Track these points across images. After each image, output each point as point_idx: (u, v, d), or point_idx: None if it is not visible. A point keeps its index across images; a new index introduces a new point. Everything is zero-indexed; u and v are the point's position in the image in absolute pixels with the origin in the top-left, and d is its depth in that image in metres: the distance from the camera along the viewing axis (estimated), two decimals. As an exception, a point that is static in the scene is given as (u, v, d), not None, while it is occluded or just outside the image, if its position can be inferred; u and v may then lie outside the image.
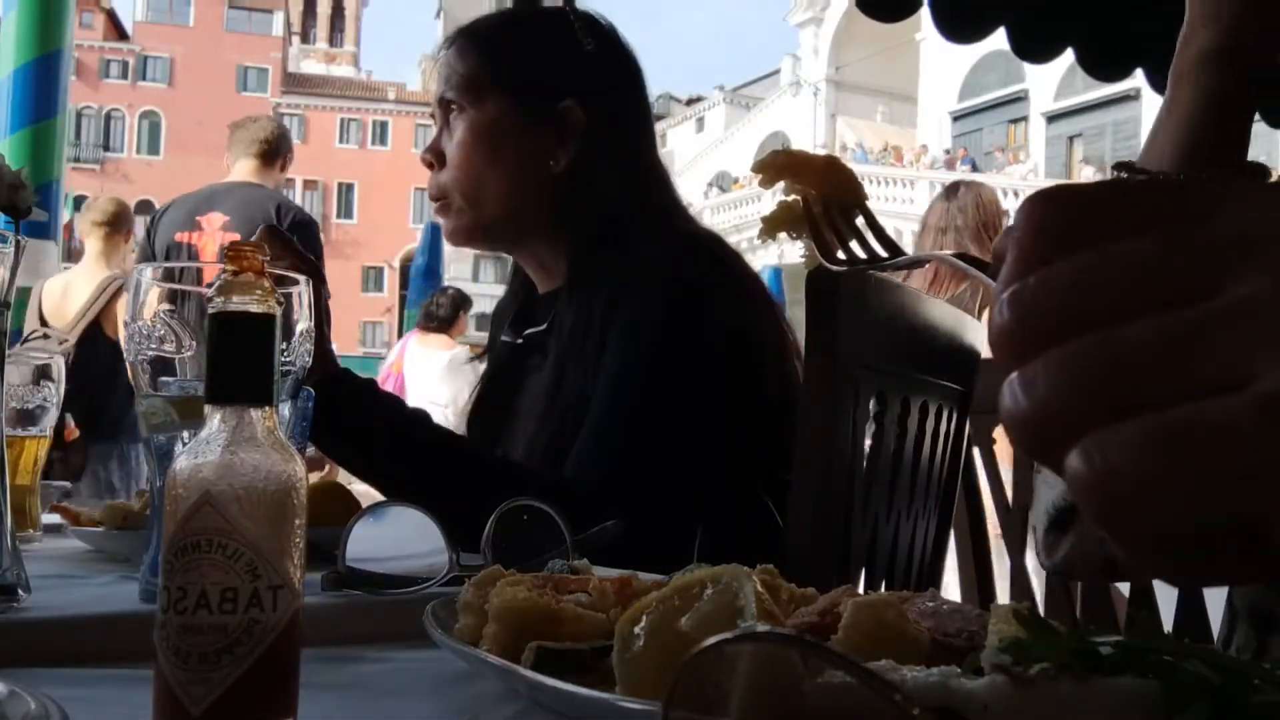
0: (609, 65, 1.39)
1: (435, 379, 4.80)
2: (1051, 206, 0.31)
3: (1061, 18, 2.38)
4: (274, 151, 3.60)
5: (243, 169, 3.62)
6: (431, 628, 0.60)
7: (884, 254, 0.56)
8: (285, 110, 47.42)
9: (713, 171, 36.09)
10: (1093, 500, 0.27)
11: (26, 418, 1.20)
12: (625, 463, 1.19)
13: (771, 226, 0.60)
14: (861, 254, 0.57)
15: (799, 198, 0.60)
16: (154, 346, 0.75)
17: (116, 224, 3.92)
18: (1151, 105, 24.27)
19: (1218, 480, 0.26)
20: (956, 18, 2.36)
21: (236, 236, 3.34)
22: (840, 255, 0.57)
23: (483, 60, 1.36)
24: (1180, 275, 0.28)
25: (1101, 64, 2.45)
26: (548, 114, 1.33)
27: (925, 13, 2.40)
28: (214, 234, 3.47)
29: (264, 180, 3.60)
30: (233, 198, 3.54)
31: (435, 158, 1.38)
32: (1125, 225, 0.29)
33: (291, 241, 1.16)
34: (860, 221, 0.58)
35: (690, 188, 31.04)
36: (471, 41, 1.38)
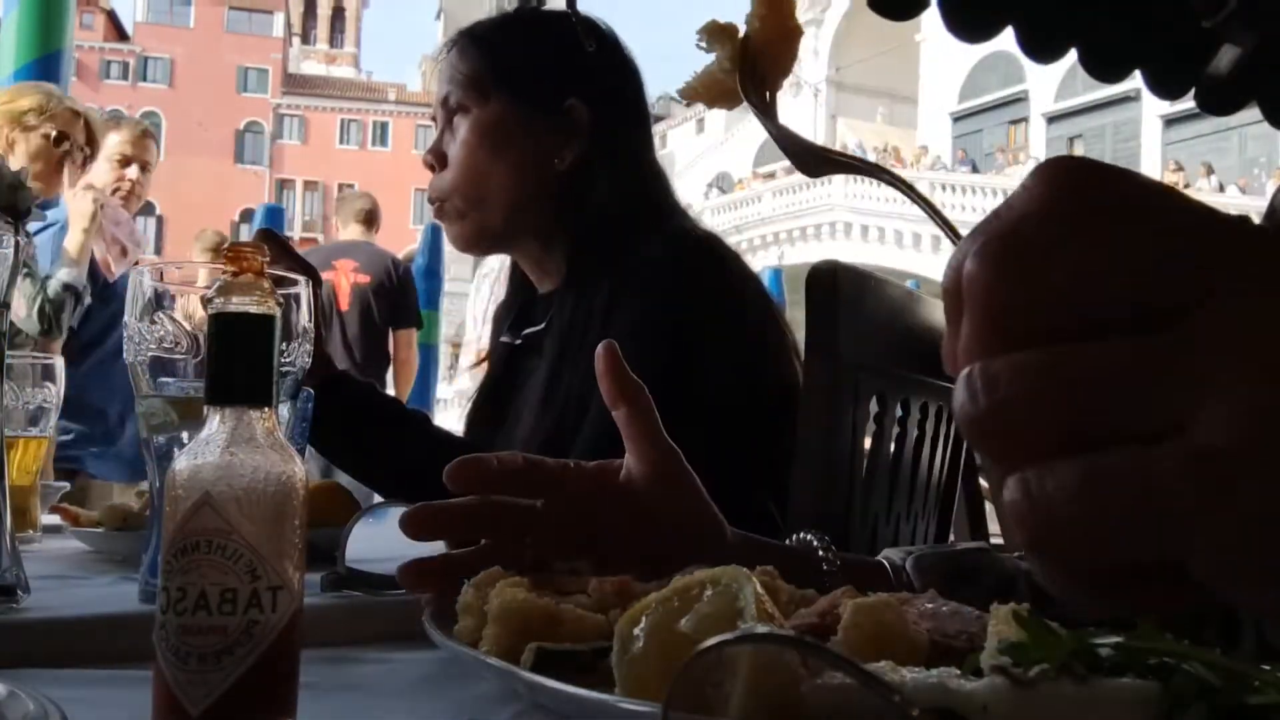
0: (610, 67, 1.39)
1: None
2: (1073, 174, 0.31)
3: (1070, 17, 2.38)
4: (371, 219, 4.80)
5: (353, 231, 4.77)
6: (431, 628, 0.60)
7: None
8: (285, 111, 47.49)
9: (713, 172, 36.10)
10: (1025, 529, 0.29)
11: (27, 418, 1.20)
12: (625, 463, 1.19)
13: (692, 94, 0.63)
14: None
15: (725, 70, 0.62)
16: (154, 346, 0.75)
17: None
18: (1151, 107, 24.30)
19: (1140, 525, 0.28)
20: (965, 17, 2.36)
21: (368, 278, 4.50)
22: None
23: (486, 60, 1.36)
24: (1160, 283, 0.29)
25: (1103, 66, 2.45)
26: (553, 112, 1.33)
27: (926, 13, 2.40)
28: (347, 273, 4.54)
29: (368, 238, 4.77)
30: (358, 250, 4.64)
31: (437, 159, 1.38)
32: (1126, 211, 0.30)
33: (288, 244, 1.16)
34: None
35: (690, 188, 31.05)
36: (474, 42, 1.38)
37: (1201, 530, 0.27)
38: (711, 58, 0.63)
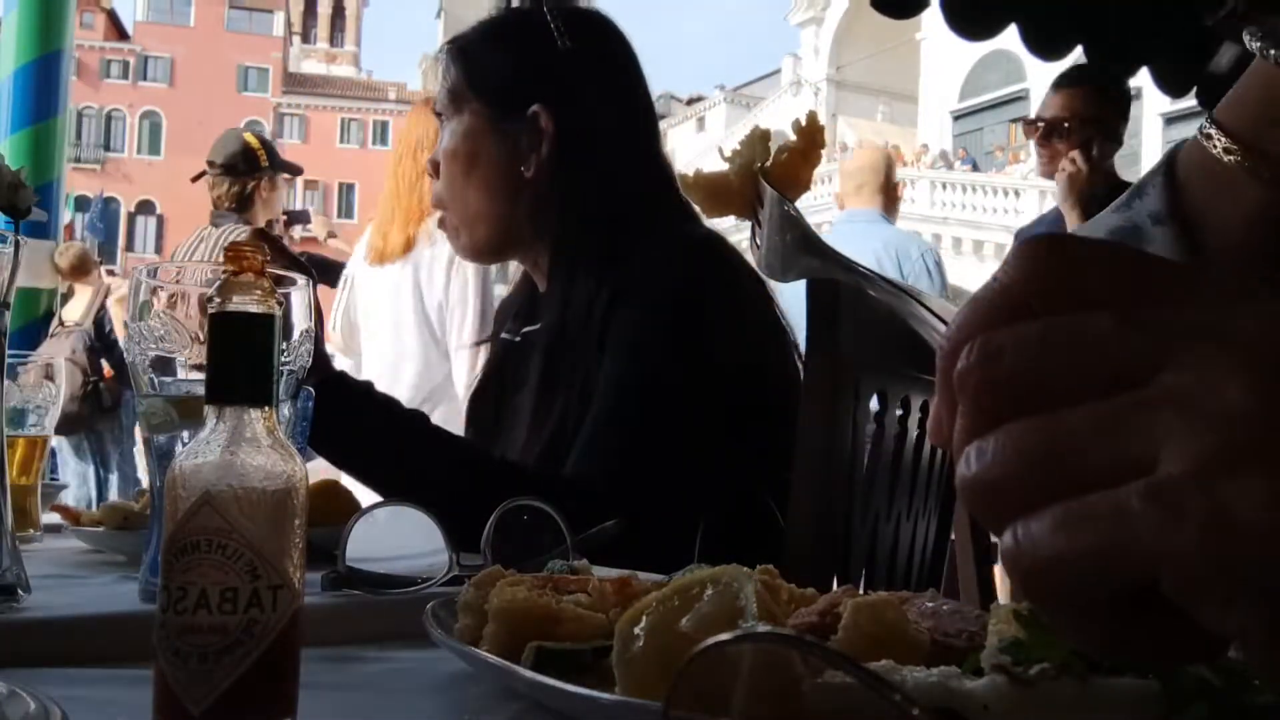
0: (590, 64, 1.38)
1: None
2: (1053, 256, 0.35)
3: (1073, 16, 2.38)
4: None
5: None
6: (431, 628, 0.60)
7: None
8: (286, 110, 47.48)
9: (713, 171, 36.03)
10: (1016, 574, 0.32)
11: (27, 418, 1.20)
12: (625, 463, 1.19)
13: (691, 188, 0.62)
14: None
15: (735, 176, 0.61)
16: (154, 346, 0.75)
17: None
18: (1152, 105, 24.25)
19: (1111, 553, 0.30)
20: (968, 15, 2.36)
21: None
22: None
23: (462, 70, 1.38)
24: (1126, 356, 0.32)
25: (1108, 63, 2.45)
26: (518, 120, 1.33)
27: (927, 11, 2.40)
28: None
29: None
30: None
31: (433, 168, 1.41)
32: (1096, 289, 0.34)
33: (284, 245, 1.16)
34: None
35: (691, 187, 30.91)
36: (455, 52, 1.40)
37: (1164, 551, 0.30)
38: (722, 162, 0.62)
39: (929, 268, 3.35)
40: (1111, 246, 0.36)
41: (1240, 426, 0.30)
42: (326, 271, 4.54)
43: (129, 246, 43.17)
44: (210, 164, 3.64)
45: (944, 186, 23.16)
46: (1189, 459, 0.30)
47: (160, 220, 42.97)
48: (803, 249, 0.57)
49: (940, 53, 29.10)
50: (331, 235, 5.15)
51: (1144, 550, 0.30)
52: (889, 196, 3.50)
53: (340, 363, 2.59)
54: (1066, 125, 2.63)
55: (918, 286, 3.09)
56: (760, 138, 0.60)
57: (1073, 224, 2.64)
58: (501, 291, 1.85)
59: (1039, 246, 0.35)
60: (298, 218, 4.90)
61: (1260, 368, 0.30)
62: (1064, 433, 0.32)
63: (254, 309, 0.48)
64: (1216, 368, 0.31)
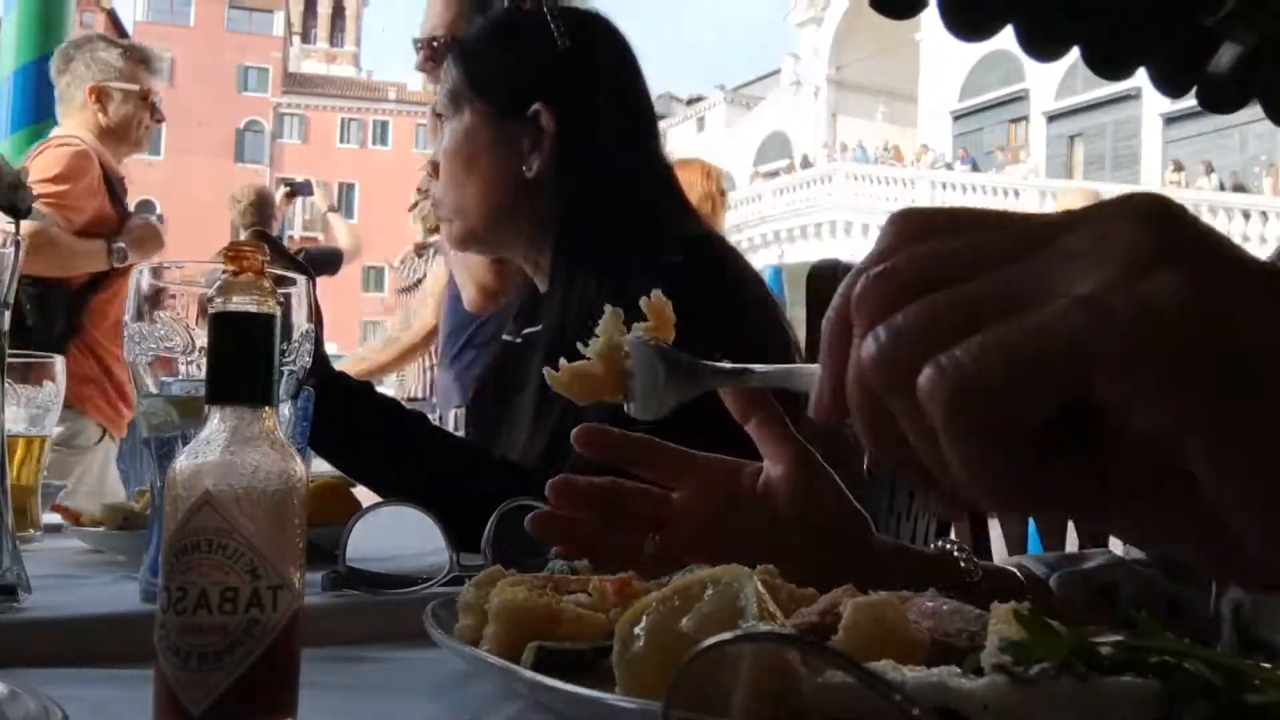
0: (591, 64, 1.38)
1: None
2: (916, 215, 0.38)
3: (1070, 16, 2.38)
4: None
5: None
6: (431, 628, 0.60)
7: None
8: (285, 110, 47.49)
9: (713, 171, 36.03)
10: (938, 400, 0.33)
11: (27, 418, 1.20)
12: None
13: (561, 386, 0.64)
14: None
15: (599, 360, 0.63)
16: (154, 346, 0.75)
17: None
18: (1151, 105, 24.28)
19: (1046, 366, 0.32)
20: (965, 16, 2.36)
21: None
22: None
23: (462, 70, 1.38)
24: (1009, 244, 0.35)
25: (1107, 63, 2.45)
26: (519, 119, 1.33)
27: (926, 12, 2.40)
28: None
29: None
30: None
31: (433, 169, 1.42)
32: (956, 225, 0.37)
33: (281, 245, 1.16)
34: None
35: (691, 187, 30.95)
36: (456, 52, 1.40)
37: (1096, 351, 0.31)
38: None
39: None
40: (949, 208, 0.39)
41: (1140, 250, 0.32)
42: (327, 262, 4.53)
43: (129, 246, 43.11)
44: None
45: (944, 187, 23.17)
46: (1102, 277, 0.32)
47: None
48: (676, 378, 0.59)
49: (940, 53, 29.11)
50: (333, 209, 5.15)
51: (1076, 354, 0.31)
52: None
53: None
54: None
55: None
56: (614, 317, 0.63)
57: None
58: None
59: (897, 216, 0.39)
60: (300, 189, 4.90)
61: (1140, 216, 0.34)
62: (970, 291, 0.34)
63: (254, 309, 0.48)
64: (1107, 222, 0.34)
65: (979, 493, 0.35)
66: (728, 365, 0.58)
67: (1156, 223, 0.33)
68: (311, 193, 5.03)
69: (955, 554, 0.78)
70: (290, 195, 4.79)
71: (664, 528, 0.74)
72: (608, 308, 0.65)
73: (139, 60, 3.27)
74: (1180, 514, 0.34)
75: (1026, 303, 0.33)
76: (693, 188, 3.63)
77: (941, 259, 0.35)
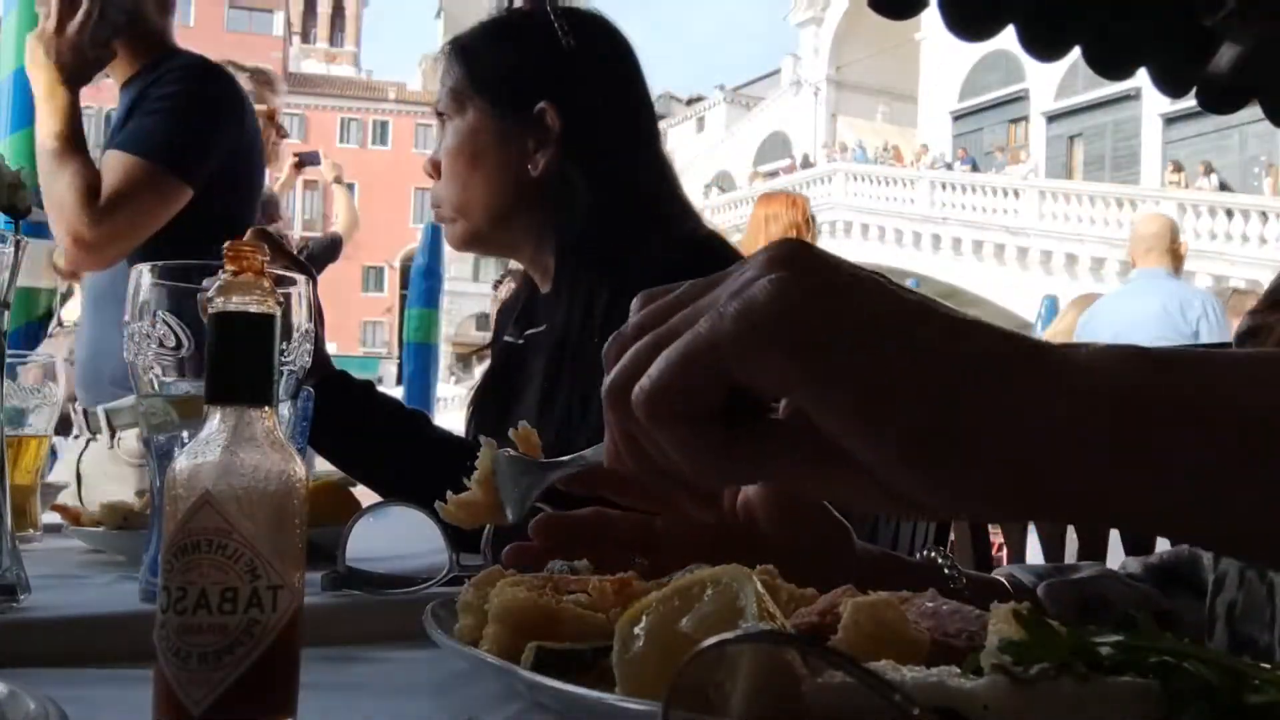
0: (594, 63, 1.38)
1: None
2: (649, 293, 0.50)
3: (1070, 16, 2.38)
4: None
5: None
6: (431, 628, 0.60)
7: None
8: (286, 110, 47.42)
9: (713, 172, 36.08)
10: (640, 407, 0.44)
11: (27, 418, 1.20)
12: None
13: (451, 517, 0.68)
14: None
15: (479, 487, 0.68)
16: (154, 346, 0.75)
17: None
18: (1151, 105, 24.27)
19: (695, 365, 0.43)
20: (966, 15, 2.36)
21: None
22: None
23: (465, 69, 1.37)
24: (708, 285, 0.46)
25: (1107, 63, 2.45)
26: (524, 118, 1.33)
27: (926, 11, 2.40)
28: None
29: None
30: None
31: (433, 168, 1.41)
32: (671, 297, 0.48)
33: (282, 244, 1.16)
34: None
35: (691, 188, 30.93)
36: (457, 52, 1.39)
37: (718, 339, 0.42)
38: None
39: (1207, 314, 3.97)
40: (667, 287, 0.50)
41: (756, 268, 0.44)
42: (328, 253, 4.52)
43: (129, 246, 43.10)
44: None
45: (944, 187, 23.17)
46: (730, 291, 0.44)
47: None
48: (525, 480, 0.65)
49: (940, 53, 29.09)
50: (339, 180, 5.17)
51: (709, 344, 0.42)
52: (1175, 257, 4.26)
53: None
54: None
55: (1200, 331, 3.65)
56: (488, 448, 0.68)
57: None
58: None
59: (637, 300, 0.50)
60: (308, 159, 4.93)
61: (773, 249, 0.45)
62: (664, 328, 0.46)
63: (254, 309, 0.48)
64: (754, 257, 0.45)
65: (692, 473, 0.45)
66: (564, 458, 0.66)
67: (778, 250, 0.44)
68: (319, 162, 5.05)
69: (940, 562, 0.78)
70: (299, 165, 4.83)
71: (651, 552, 0.74)
72: (482, 438, 0.69)
73: (263, 83, 3.51)
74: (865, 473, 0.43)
75: (694, 325, 0.44)
76: (778, 218, 3.85)
77: (654, 313, 0.47)
